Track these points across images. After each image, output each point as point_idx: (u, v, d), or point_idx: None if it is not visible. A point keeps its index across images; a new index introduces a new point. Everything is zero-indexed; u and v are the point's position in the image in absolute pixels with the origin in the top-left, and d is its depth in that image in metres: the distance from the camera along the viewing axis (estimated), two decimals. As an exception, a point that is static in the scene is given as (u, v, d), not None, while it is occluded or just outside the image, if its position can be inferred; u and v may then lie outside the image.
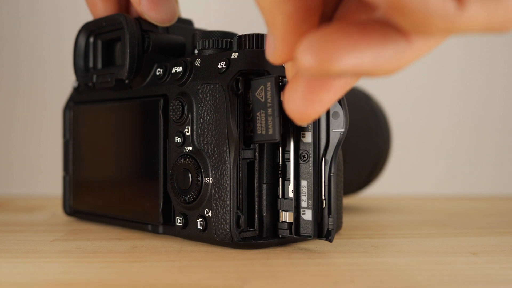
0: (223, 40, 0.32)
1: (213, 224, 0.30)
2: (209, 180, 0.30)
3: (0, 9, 0.63)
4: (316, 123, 0.29)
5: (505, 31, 0.18)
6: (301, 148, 0.29)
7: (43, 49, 0.63)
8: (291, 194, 0.30)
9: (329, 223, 0.29)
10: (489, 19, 0.18)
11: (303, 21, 0.19)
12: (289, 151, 0.30)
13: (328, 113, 0.29)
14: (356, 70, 0.18)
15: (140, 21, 0.34)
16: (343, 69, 0.18)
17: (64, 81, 0.56)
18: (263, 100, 0.28)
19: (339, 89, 0.20)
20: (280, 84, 0.28)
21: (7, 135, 0.63)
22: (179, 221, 0.32)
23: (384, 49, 0.18)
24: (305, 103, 0.20)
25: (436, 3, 0.16)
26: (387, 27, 0.18)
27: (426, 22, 0.17)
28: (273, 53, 0.20)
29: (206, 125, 0.30)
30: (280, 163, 0.30)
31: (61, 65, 0.58)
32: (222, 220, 0.29)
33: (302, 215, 0.29)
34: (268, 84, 0.28)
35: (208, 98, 0.30)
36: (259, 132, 0.29)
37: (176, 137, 0.32)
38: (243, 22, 0.63)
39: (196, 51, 0.33)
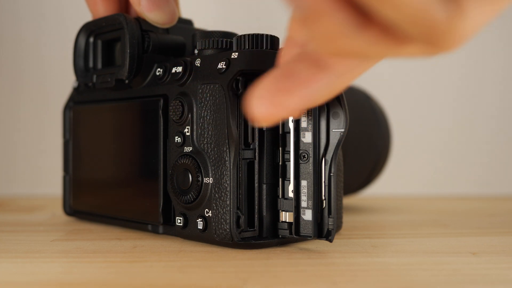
0: (223, 40, 0.32)
1: (213, 224, 0.30)
2: (209, 180, 0.30)
3: (1, 10, 0.63)
4: (316, 123, 0.29)
5: None
6: (301, 148, 0.29)
7: (44, 49, 0.63)
8: (291, 194, 0.30)
9: (329, 223, 0.29)
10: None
11: None
12: (289, 151, 0.30)
13: (328, 113, 0.29)
14: (301, 107, 0.20)
15: (140, 21, 0.34)
16: (290, 111, 0.20)
17: (65, 81, 0.56)
18: None
19: (303, 97, 0.20)
20: None
21: (8, 135, 0.63)
22: (179, 221, 0.32)
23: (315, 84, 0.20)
24: (269, 104, 0.20)
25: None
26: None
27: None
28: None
29: (206, 125, 0.30)
30: (280, 163, 0.30)
31: (62, 65, 0.58)
32: (222, 220, 0.29)
33: (302, 215, 0.29)
34: None
35: (208, 98, 0.30)
36: None
37: (176, 137, 0.32)
38: (243, 22, 0.63)
39: (196, 51, 0.33)
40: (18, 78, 0.63)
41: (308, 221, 0.29)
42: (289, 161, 0.30)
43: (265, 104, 0.20)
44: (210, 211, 0.30)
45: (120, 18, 0.34)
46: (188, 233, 0.31)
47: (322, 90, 0.20)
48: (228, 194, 0.29)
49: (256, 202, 0.30)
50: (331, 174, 0.29)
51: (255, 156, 0.30)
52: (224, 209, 0.29)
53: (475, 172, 0.66)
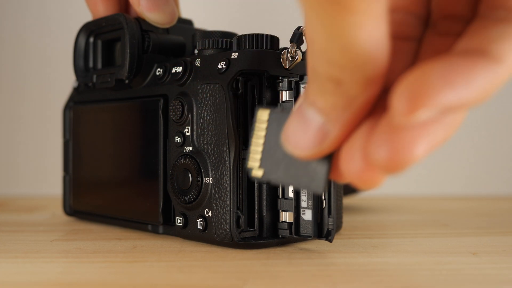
0: (223, 40, 0.32)
1: (213, 224, 0.30)
2: (209, 180, 0.30)
3: (3, 11, 0.63)
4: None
5: None
6: (301, 148, 0.29)
7: (44, 49, 0.63)
8: (291, 194, 0.30)
9: (329, 223, 0.29)
10: None
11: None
12: (289, 151, 0.30)
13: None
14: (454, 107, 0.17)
15: (140, 21, 0.34)
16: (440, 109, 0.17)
17: (66, 81, 0.56)
18: None
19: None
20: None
21: (8, 135, 0.63)
22: (179, 221, 0.32)
23: (476, 78, 0.17)
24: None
25: None
26: (473, 53, 0.17)
27: None
28: (320, 145, 0.18)
29: (206, 125, 0.30)
30: (280, 163, 0.30)
31: (63, 65, 0.58)
32: (222, 220, 0.29)
33: (302, 215, 0.29)
34: None
35: (208, 98, 0.30)
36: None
37: (176, 137, 0.32)
38: (243, 22, 0.63)
39: (196, 51, 0.33)
40: (19, 78, 0.63)
41: (308, 221, 0.29)
42: (289, 161, 0.30)
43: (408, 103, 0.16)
44: (210, 211, 0.30)
45: (120, 18, 0.34)
46: (188, 233, 0.31)
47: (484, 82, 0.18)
48: (228, 194, 0.29)
49: (256, 202, 0.30)
50: (331, 174, 0.29)
51: (255, 156, 0.30)
52: (224, 209, 0.29)
53: (475, 172, 0.66)
